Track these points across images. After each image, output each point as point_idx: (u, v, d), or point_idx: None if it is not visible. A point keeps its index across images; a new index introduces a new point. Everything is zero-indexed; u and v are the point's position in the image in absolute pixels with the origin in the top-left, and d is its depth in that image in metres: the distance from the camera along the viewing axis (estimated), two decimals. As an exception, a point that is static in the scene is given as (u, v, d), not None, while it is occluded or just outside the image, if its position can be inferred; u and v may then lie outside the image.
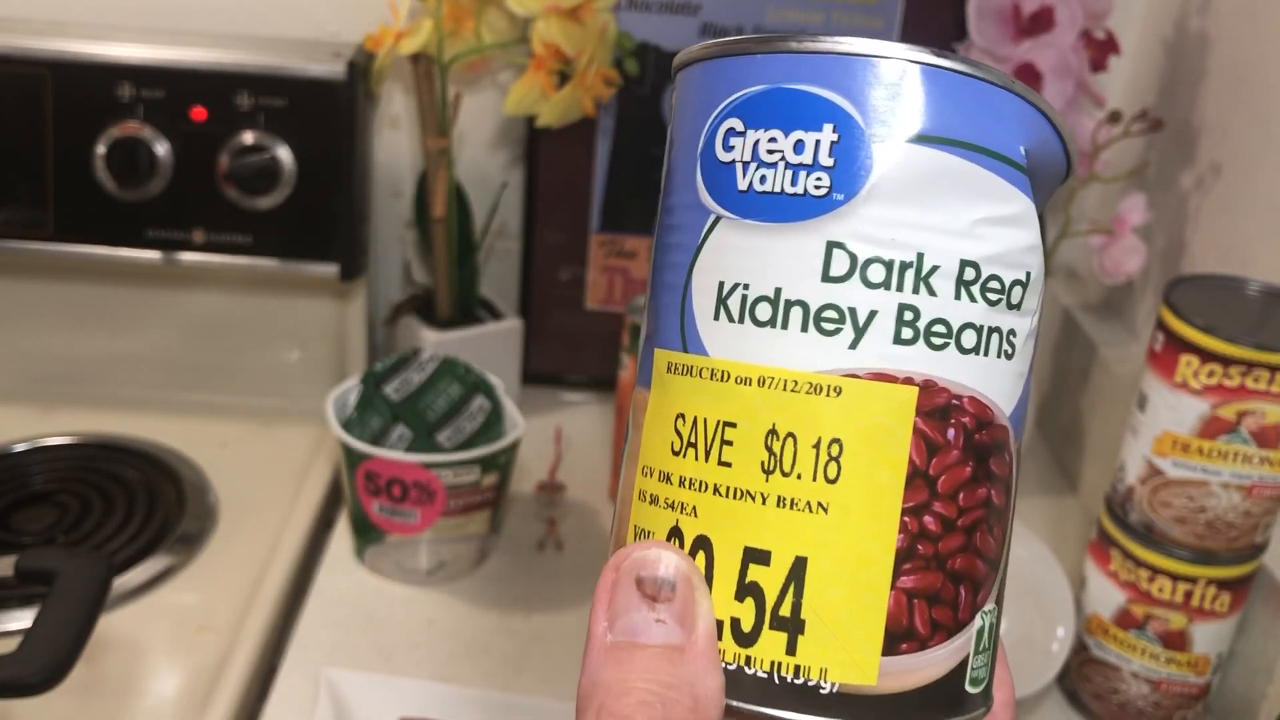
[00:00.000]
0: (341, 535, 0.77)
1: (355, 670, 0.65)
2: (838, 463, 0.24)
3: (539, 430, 0.89)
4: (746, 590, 0.25)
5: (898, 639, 0.25)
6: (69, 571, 0.56)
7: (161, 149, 0.80)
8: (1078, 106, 0.77)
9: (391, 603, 0.72)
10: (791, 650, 0.24)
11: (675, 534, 0.25)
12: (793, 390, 0.24)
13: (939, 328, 0.24)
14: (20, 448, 0.83)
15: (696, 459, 0.25)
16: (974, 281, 0.25)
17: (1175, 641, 0.63)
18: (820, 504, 0.24)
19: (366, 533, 0.73)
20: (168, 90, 0.79)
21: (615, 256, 0.94)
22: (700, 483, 0.25)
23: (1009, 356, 0.26)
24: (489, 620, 0.71)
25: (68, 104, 0.79)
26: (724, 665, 0.25)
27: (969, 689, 0.26)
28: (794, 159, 0.24)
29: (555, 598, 0.73)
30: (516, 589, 0.74)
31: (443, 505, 0.70)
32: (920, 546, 0.25)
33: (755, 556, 0.25)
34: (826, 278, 0.24)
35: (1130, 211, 0.77)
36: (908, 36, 0.87)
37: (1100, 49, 0.77)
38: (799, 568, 0.24)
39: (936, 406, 0.25)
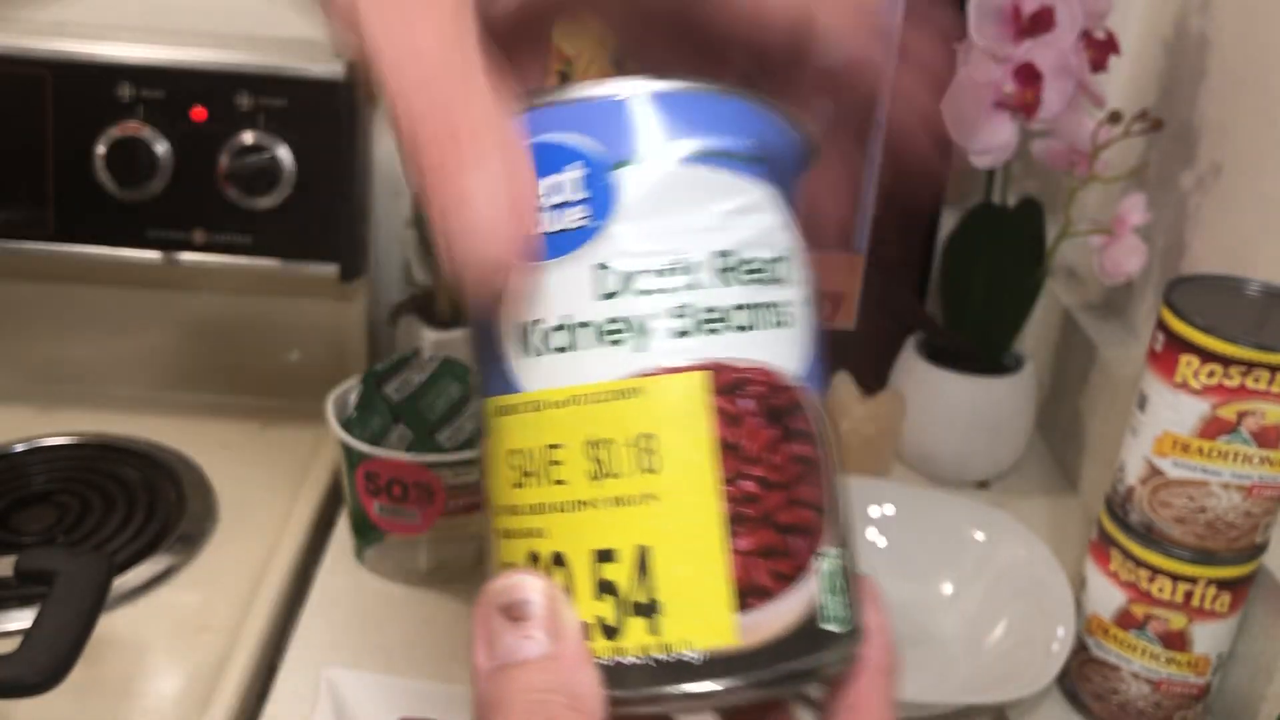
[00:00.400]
0: (342, 535, 0.77)
1: (355, 670, 0.65)
2: (654, 454, 0.27)
3: (539, 430, 0.89)
4: (603, 589, 0.27)
5: (747, 596, 0.27)
6: (69, 571, 0.56)
7: (161, 149, 0.80)
8: (1078, 106, 0.77)
9: (392, 603, 0.72)
10: (655, 631, 0.27)
11: (534, 558, 0.28)
12: (598, 401, 0.27)
13: (713, 315, 0.27)
14: (20, 448, 0.84)
15: (535, 485, 0.28)
16: (733, 268, 0.27)
17: (1175, 642, 0.63)
18: (647, 494, 0.27)
19: (367, 533, 0.73)
20: (168, 90, 0.79)
21: (615, 256, 0.94)
22: (543, 505, 0.28)
23: (786, 324, 0.28)
24: (489, 620, 0.71)
25: (68, 104, 0.79)
26: (600, 661, 0.27)
27: (829, 627, 0.28)
28: (554, 200, 0.27)
29: (555, 598, 0.73)
30: (516, 589, 0.74)
31: (443, 505, 0.70)
32: (746, 510, 0.27)
33: (604, 556, 0.27)
34: (603, 296, 0.27)
35: (1130, 212, 0.77)
36: (907, 37, 0.86)
37: (1100, 49, 0.77)
38: (643, 556, 0.27)
39: (727, 383, 0.27)
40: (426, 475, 0.69)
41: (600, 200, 0.27)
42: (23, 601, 0.67)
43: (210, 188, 0.81)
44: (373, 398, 0.73)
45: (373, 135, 0.90)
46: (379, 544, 0.73)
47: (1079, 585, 0.68)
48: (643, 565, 0.27)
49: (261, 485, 0.82)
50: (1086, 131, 0.77)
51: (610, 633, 0.27)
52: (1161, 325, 0.60)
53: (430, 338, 0.86)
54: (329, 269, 0.84)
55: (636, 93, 0.27)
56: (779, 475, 0.27)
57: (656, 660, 0.27)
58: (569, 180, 0.27)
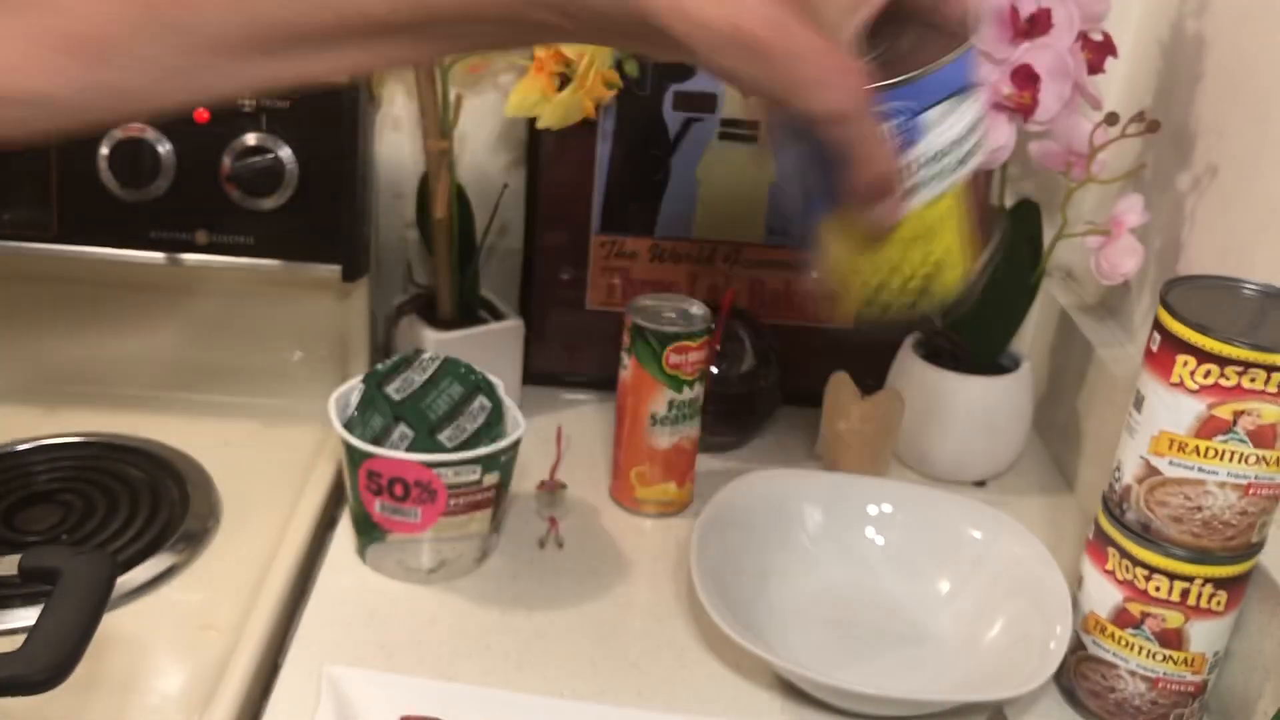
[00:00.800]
0: (343, 534, 0.77)
1: (357, 668, 0.65)
2: (941, 224, 0.49)
3: (540, 430, 0.89)
4: (928, 264, 0.50)
5: (978, 248, 0.51)
6: (73, 570, 0.57)
7: (165, 150, 0.80)
8: (1075, 108, 0.77)
9: (393, 601, 0.72)
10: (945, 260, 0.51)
11: (893, 269, 0.50)
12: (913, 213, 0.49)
13: (960, 169, 0.48)
14: (24, 447, 0.84)
15: (881, 242, 0.50)
16: (968, 150, 0.48)
17: (1172, 640, 0.63)
18: (937, 238, 0.50)
19: (368, 531, 0.73)
20: (171, 92, 0.80)
21: (615, 257, 0.94)
22: (885, 252, 0.50)
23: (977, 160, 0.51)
24: (490, 618, 0.72)
25: (71, 105, 0.80)
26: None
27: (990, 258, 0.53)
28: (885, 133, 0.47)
29: (556, 596, 0.74)
30: (518, 587, 0.74)
31: (444, 504, 0.71)
32: (971, 222, 0.50)
33: (913, 269, 0.50)
34: (909, 175, 0.47)
35: (1127, 212, 0.77)
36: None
37: (1097, 51, 0.78)
38: (937, 263, 0.50)
39: (968, 184, 0.49)
40: (428, 475, 0.70)
41: (909, 132, 0.46)
42: (26, 600, 0.68)
43: (213, 189, 0.81)
44: (374, 397, 0.73)
45: (375, 137, 0.90)
46: (380, 543, 0.73)
47: (1076, 584, 0.68)
48: (950, 251, 0.50)
49: (264, 484, 0.82)
50: (1083, 133, 0.77)
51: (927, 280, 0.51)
52: (1158, 325, 0.60)
53: (431, 338, 0.86)
54: (331, 269, 0.84)
55: (925, 72, 0.46)
56: (972, 200, 0.51)
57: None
58: (893, 124, 0.46)
